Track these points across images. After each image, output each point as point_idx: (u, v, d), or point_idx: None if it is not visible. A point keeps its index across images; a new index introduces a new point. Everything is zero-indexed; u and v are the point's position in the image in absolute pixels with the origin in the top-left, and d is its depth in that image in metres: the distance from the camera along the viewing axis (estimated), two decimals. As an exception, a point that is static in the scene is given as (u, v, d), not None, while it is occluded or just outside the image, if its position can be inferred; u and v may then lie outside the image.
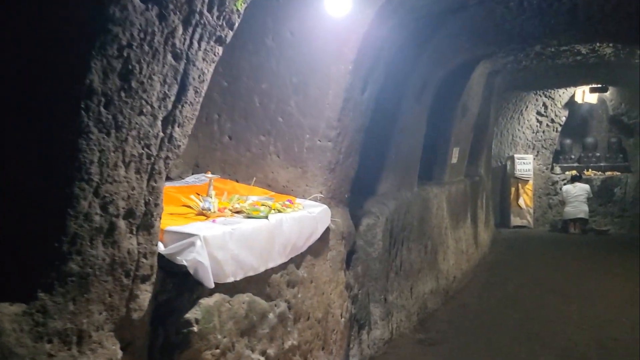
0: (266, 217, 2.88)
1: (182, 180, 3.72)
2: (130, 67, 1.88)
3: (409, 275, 5.43)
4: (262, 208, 2.97)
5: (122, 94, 1.90)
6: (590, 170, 12.00)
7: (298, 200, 3.49)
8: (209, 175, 3.85)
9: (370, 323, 4.49)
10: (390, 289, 4.92)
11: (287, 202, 3.24)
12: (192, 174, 3.84)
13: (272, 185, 3.71)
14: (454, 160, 7.04)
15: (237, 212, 2.94)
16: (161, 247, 2.45)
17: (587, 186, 11.26)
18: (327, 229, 3.56)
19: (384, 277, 4.79)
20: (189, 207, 2.92)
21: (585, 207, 11.17)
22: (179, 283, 2.46)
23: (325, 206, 3.49)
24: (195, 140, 3.90)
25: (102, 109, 1.84)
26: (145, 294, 2.30)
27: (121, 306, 2.16)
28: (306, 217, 3.21)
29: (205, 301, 2.47)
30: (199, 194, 3.18)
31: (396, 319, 4.96)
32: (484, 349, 4.80)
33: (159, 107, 2.11)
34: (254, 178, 3.60)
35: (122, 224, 2.08)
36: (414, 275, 5.55)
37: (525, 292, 6.69)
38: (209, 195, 3.07)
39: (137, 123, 2.02)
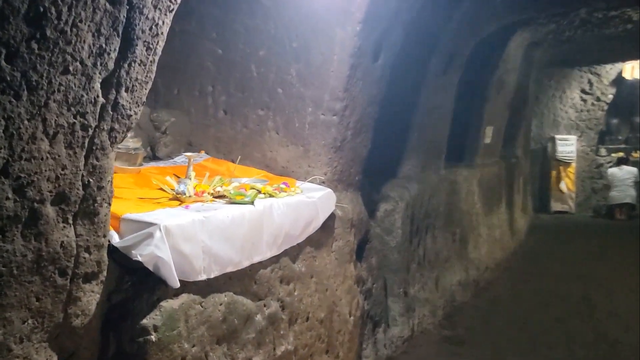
0: (251, 203, 2.45)
1: (171, 160, 3.31)
2: (41, 8, 1.45)
3: (434, 266, 4.93)
4: (248, 192, 2.53)
5: (34, 45, 1.47)
6: (638, 152, 11.13)
7: (298, 184, 3.04)
8: (200, 154, 3.46)
9: (388, 320, 4.04)
10: (411, 282, 4.45)
11: (282, 185, 2.80)
12: (185, 152, 3.43)
13: (271, 166, 3.27)
14: (487, 140, 6.45)
15: (219, 197, 2.51)
16: (115, 238, 2.04)
17: (635, 169, 10.43)
18: (332, 216, 3.10)
19: (404, 269, 4.31)
20: (164, 190, 2.51)
21: (633, 192, 10.36)
22: (137, 281, 2.06)
23: (328, 190, 3.03)
24: (187, 115, 3.48)
25: (2, 62, 1.42)
26: (90, 296, 1.91)
27: (56, 311, 1.77)
28: (303, 202, 2.76)
29: (169, 304, 2.06)
30: (177, 176, 2.77)
31: (418, 315, 4.49)
32: (518, 349, 4.28)
33: (95, 65, 1.68)
34: (239, 157, 3.15)
35: (49, 211, 1.67)
36: (439, 266, 5.05)
37: (566, 285, 6.09)
38: (187, 177, 2.65)
39: (61, 84, 1.59)
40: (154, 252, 1.96)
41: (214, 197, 2.51)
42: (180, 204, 2.36)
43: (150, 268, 2.00)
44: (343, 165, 3.28)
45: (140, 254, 1.96)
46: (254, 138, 3.31)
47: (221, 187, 2.56)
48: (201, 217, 2.18)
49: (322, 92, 3.10)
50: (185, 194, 2.41)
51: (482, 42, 5.10)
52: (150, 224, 2.01)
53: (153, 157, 3.29)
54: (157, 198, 2.43)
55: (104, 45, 1.69)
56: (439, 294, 4.96)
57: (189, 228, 2.10)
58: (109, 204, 1.91)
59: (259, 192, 2.62)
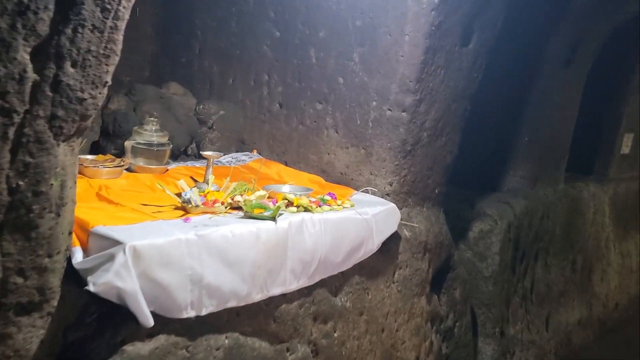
0: (272, 218, 1.90)
1: (216, 160, 2.87)
2: None
3: (545, 301, 4.05)
4: (271, 204, 1.98)
5: None
6: None
7: (356, 195, 2.45)
8: (251, 154, 2.98)
9: (476, 365, 3.29)
10: (511, 319, 3.63)
11: (327, 197, 2.22)
12: (237, 152, 2.97)
13: (328, 171, 2.70)
14: (626, 149, 5.32)
15: (237, 208, 2.00)
16: (78, 257, 1.60)
17: None
18: (395, 237, 2.46)
19: (502, 303, 3.52)
20: (173, 196, 2.04)
21: None
22: (106, 314, 1.60)
23: (390, 205, 2.39)
24: (241, 108, 3.02)
25: None
26: (29, 332, 1.48)
27: (-30, 352, 1.36)
28: (350, 219, 2.16)
29: (135, 348, 1.58)
30: (195, 180, 2.30)
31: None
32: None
33: (13, 27, 1.24)
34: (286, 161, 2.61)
35: (-50, 223, 1.26)
36: (553, 301, 4.14)
37: None
38: (205, 181, 2.17)
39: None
40: (112, 282, 1.49)
41: (231, 207, 2.00)
42: (182, 215, 1.88)
43: (114, 300, 1.53)
44: (415, 174, 2.62)
45: (94, 283, 1.50)
46: (310, 137, 2.76)
47: (242, 195, 2.04)
48: (192, 235, 1.67)
49: (389, 82, 2.47)
50: (190, 202, 1.92)
51: (620, 28, 4.10)
52: (116, 242, 1.54)
53: (198, 155, 2.87)
54: (161, 206, 1.97)
55: (26, 1, 1.24)
56: (550, 335, 4.06)
57: (170, 250, 1.61)
58: (58, 214, 1.47)
59: (291, 203, 2.07)
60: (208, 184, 2.12)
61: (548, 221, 4.07)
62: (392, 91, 2.48)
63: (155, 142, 2.38)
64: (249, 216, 1.92)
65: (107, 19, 1.39)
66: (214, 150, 2.92)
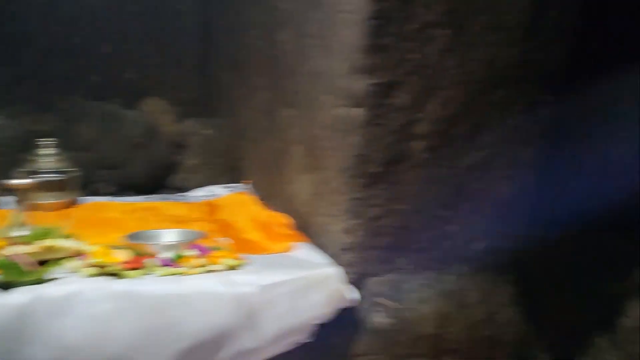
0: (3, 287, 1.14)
1: (191, 193, 2.16)
2: None
3: None
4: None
5: None
6: None
7: (297, 251, 1.49)
8: (233, 186, 2.20)
9: None
10: None
11: (194, 252, 1.34)
12: (228, 182, 2.23)
13: (291, 208, 1.76)
14: None
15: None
16: None
17: None
18: (345, 326, 1.39)
19: None
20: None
21: None
22: None
23: (321, 271, 1.36)
24: (233, 126, 2.28)
25: None
26: None
27: None
28: (200, 295, 1.23)
29: None
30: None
31: None
32: None
33: None
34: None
35: None
36: None
37: None
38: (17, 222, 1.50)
39: None
40: None
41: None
42: None
43: None
44: (402, 214, 1.49)
45: None
46: (279, 157, 1.86)
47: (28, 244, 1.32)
48: None
49: (335, 58, 1.46)
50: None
51: None
52: None
53: (174, 188, 2.22)
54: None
55: None
56: None
57: None
58: None
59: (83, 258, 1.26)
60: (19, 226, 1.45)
61: None
62: (338, 73, 1.45)
63: (47, 168, 1.83)
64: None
65: None
66: (197, 182, 2.25)
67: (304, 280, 1.33)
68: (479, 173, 1.57)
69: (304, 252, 1.50)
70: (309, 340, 1.36)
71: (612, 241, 2.02)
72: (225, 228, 1.73)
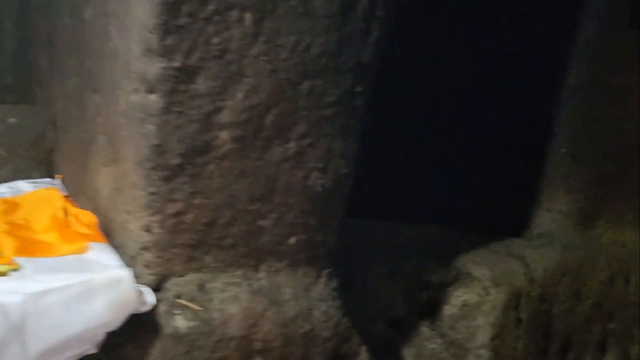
0: None
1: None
2: None
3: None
4: None
5: None
6: None
7: (92, 253, 1.33)
8: (39, 181, 1.98)
9: None
10: None
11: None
12: (40, 178, 2.00)
13: (96, 205, 1.60)
14: None
15: None
16: None
17: None
18: (141, 333, 1.27)
19: None
20: None
21: None
22: None
23: (103, 275, 1.23)
24: (49, 113, 2.05)
25: None
26: None
27: None
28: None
29: None
30: None
31: None
32: None
33: None
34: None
35: None
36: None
37: None
38: None
39: None
40: None
41: None
42: None
43: None
44: (209, 209, 1.40)
45: None
46: (86, 149, 1.68)
47: None
48: None
49: (129, 40, 1.33)
50: None
51: None
52: None
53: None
54: None
55: None
56: None
57: None
58: None
59: None
60: None
61: (628, 286, 2.44)
62: (133, 56, 1.32)
63: None
64: None
65: None
66: (2, 177, 1.99)
67: (84, 285, 1.19)
68: (293, 165, 1.51)
69: (97, 253, 1.35)
70: (94, 352, 1.22)
71: (432, 230, 2.09)
72: (17, 229, 1.53)
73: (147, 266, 1.36)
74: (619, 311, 2.40)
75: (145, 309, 1.30)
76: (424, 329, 2.03)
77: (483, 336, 1.99)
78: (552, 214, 2.34)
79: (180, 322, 1.35)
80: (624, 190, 2.44)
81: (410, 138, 2.13)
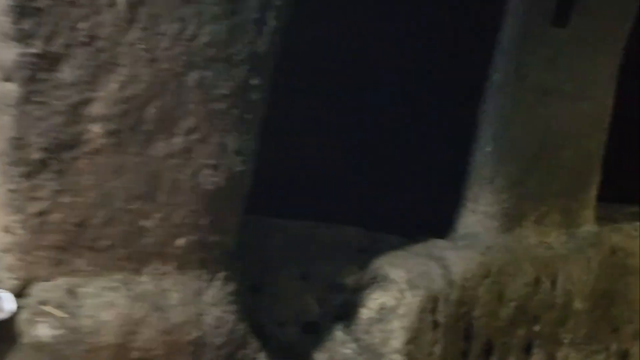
0: None
1: None
2: None
3: None
4: None
5: None
6: None
7: None
8: None
9: None
10: None
11: None
12: None
13: None
14: None
15: None
16: None
17: None
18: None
19: None
20: None
21: None
22: None
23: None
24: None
25: None
26: None
27: None
28: None
29: None
30: None
31: None
32: None
33: None
34: None
35: None
36: None
37: None
38: None
39: None
40: None
41: None
42: None
43: None
44: (78, 209, 1.29)
45: None
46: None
47: None
48: None
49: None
50: None
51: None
52: None
53: None
54: None
55: None
56: None
57: None
58: None
59: None
60: None
61: (554, 288, 2.41)
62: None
63: None
64: None
65: None
66: None
67: None
68: (179, 161, 1.42)
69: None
70: None
71: (349, 231, 2.02)
72: None
73: (8, 270, 1.25)
74: (544, 314, 2.37)
75: (2, 316, 1.19)
76: (339, 333, 1.95)
77: (397, 341, 1.93)
78: (476, 215, 2.30)
79: (43, 331, 1.25)
80: (551, 190, 2.41)
81: (330, 135, 2.06)
